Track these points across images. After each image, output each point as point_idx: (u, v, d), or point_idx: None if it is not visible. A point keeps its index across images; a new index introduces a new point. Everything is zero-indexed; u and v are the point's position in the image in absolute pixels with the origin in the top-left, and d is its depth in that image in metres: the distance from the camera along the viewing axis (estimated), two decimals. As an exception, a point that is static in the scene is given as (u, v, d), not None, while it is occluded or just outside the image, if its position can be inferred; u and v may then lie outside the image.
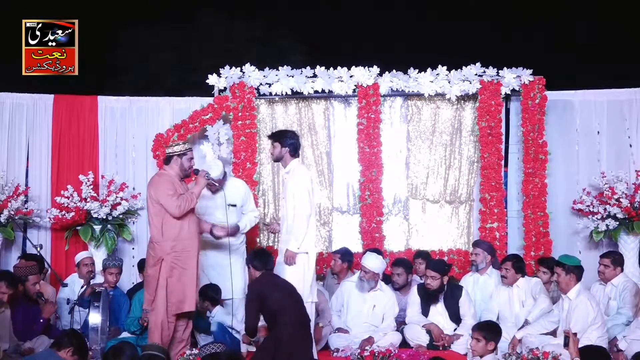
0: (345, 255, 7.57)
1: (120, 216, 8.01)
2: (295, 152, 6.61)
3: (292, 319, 5.95)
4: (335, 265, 7.52)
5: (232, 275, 6.77)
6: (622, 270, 7.09)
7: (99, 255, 7.81)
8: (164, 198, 6.10)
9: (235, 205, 6.96)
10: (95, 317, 6.59)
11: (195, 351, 5.86)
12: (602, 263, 7.09)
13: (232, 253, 6.88)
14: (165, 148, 6.47)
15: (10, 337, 6.13)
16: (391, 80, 8.12)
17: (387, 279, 7.35)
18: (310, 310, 6.38)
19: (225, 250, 6.79)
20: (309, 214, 6.44)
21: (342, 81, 8.11)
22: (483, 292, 7.27)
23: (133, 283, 8.04)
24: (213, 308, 6.80)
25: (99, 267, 7.48)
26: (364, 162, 8.12)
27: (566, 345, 5.78)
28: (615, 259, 7.09)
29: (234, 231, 6.81)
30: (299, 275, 6.38)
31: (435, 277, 6.84)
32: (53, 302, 6.82)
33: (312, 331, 6.29)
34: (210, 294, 6.79)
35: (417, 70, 8.15)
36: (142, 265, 7.34)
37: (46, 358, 5.31)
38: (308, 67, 8.12)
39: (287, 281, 6.25)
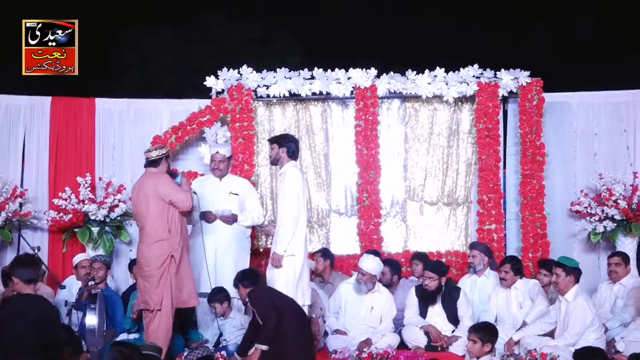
0: (326, 253, 7.62)
1: (118, 218, 8.01)
2: (292, 154, 6.64)
3: (293, 329, 5.94)
4: (319, 264, 7.51)
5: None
6: (630, 268, 7.12)
7: (96, 257, 7.82)
8: (176, 194, 6.26)
9: (237, 194, 7.08)
10: (92, 319, 6.59)
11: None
12: (613, 262, 7.10)
13: (236, 248, 7.00)
14: (150, 152, 6.48)
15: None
16: (389, 82, 8.13)
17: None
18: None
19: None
20: (297, 217, 6.46)
21: (339, 83, 8.12)
22: (481, 293, 7.26)
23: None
24: (231, 311, 6.84)
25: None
26: (362, 164, 8.12)
27: None
28: (624, 257, 7.13)
29: (229, 219, 6.94)
30: (289, 278, 6.41)
31: (434, 278, 6.84)
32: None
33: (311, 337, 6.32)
34: (228, 295, 6.78)
35: (414, 72, 8.16)
36: (131, 266, 7.37)
37: None
38: (306, 69, 8.13)
39: (280, 291, 6.28)
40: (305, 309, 6.48)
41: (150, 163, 6.43)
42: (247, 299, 6.22)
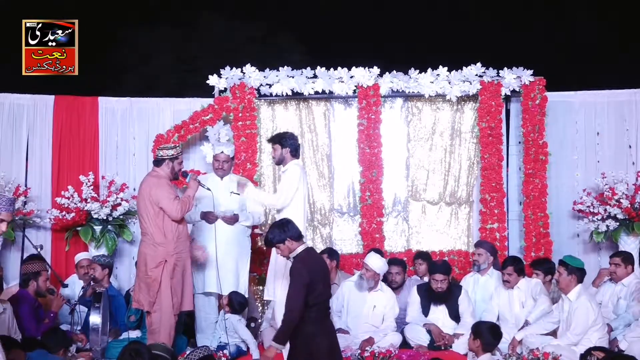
0: (333, 253, 7.59)
1: (121, 217, 8.01)
2: (295, 152, 6.61)
3: (316, 314, 5.22)
4: None
5: (238, 271, 6.87)
6: (632, 269, 7.10)
7: (99, 256, 7.82)
8: (166, 201, 6.17)
9: (239, 194, 7.01)
10: (95, 318, 6.62)
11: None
12: (613, 262, 7.09)
13: (236, 248, 6.93)
14: (157, 150, 6.48)
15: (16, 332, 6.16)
16: (391, 80, 8.12)
17: (384, 278, 7.33)
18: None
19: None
20: (282, 206, 6.41)
21: (342, 82, 8.11)
22: (483, 292, 7.27)
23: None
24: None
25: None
26: (364, 163, 8.12)
27: None
28: (625, 257, 7.11)
29: (231, 220, 6.90)
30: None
31: (444, 280, 6.91)
32: (61, 296, 6.84)
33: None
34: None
35: (417, 71, 8.16)
36: None
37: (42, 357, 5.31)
38: (308, 68, 8.13)
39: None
40: (273, 304, 6.48)
41: (155, 162, 6.44)
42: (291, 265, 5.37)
